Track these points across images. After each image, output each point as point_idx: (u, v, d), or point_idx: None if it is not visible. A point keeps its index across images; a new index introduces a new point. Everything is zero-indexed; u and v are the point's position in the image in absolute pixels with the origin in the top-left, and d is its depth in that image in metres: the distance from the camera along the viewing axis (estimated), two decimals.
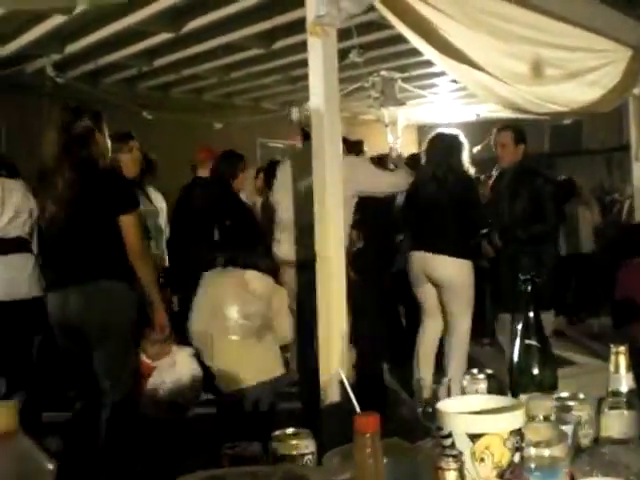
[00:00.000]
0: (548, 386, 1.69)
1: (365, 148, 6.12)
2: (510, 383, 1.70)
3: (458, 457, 0.99)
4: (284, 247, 4.61)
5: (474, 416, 1.22)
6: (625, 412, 1.60)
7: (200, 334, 4.21)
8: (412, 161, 5.95)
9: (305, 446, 1.41)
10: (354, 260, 4.48)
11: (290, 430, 1.43)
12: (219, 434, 4.01)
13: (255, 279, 4.24)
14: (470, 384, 1.79)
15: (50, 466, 0.91)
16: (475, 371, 1.81)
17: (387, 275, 5.68)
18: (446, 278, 5.00)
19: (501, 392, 1.74)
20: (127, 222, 3.72)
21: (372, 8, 3.74)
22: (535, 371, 1.68)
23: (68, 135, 3.74)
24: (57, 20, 6.12)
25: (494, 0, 4.30)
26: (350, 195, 4.27)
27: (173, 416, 4.15)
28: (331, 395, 3.31)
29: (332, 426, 2.98)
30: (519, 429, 1.17)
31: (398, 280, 5.77)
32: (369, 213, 4.96)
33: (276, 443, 1.40)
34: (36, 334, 4.44)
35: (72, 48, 7.06)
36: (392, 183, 4.86)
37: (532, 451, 1.18)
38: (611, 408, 1.62)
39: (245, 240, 4.68)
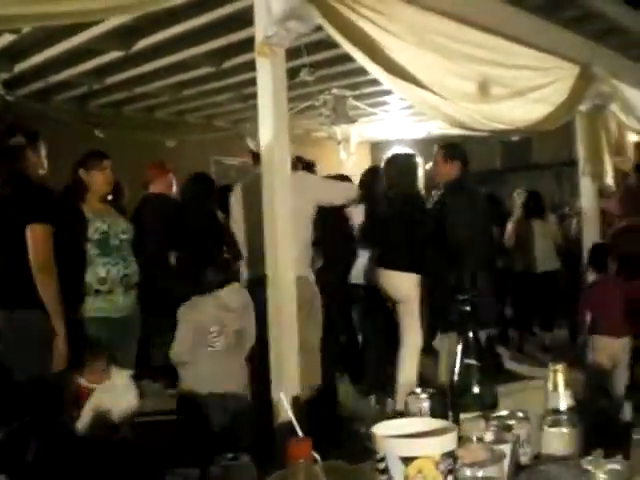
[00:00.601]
0: (488, 405, 1.71)
1: (316, 167, 6.19)
2: (451, 403, 1.72)
3: None
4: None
5: (406, 440, 1.23)
6: (564, 430, 1.62)
7: (183, 362, 4.26)
8: (369, 175, 6.04)
9: (245, 471, 1.41)
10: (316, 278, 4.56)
11: (229, 455, 1.43)
12: (164, 455, 3.97)
13: (229, 294, 4.27)
14: (413, 403, 1.80)
15: None
16: (418, 390, 1.82)
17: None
18: (393, 292, 5.15)
19: (445, 411, 1.76)
20: (34, 233, 3.76)
21: (320, 27, 3.77)
22: (475, 390, 1.70)
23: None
24: (6, 38, 6.05)
25: (440, 19, 4.36)
26: (305, 211, 4.35)
27: (112, 436, 4.10)
28: (282, 415, 3.31)
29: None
30: (452, 451, 1.18)
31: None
32: (328, 231, 5.03)
33: (215, 468, 1.40)
34: None
35: (21, 66, 6.97)
36: (343, 192, 4.95)
37: (467, 472, 1.19)
38: (551, 426, 1.65)
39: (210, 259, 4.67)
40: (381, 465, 1.17)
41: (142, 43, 6.40)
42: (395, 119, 9.76)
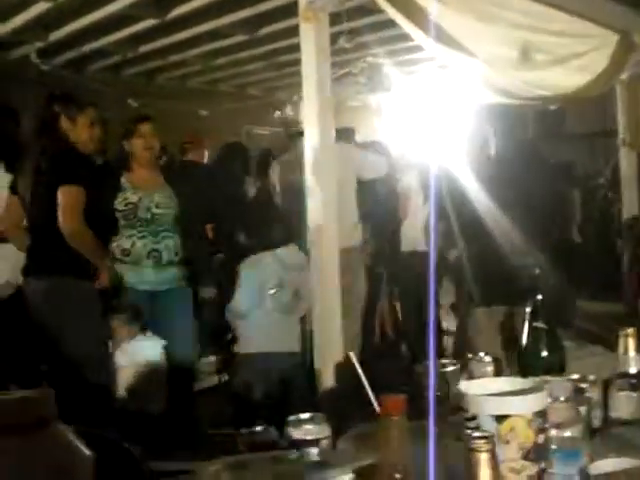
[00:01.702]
0: (557, 368, 1.71)
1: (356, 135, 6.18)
2: (519, 366, 1.71)
3: (490, 438, 1.00)
4: None
5: (500, 398, 1.23)
6: (634, 394, 1.62)
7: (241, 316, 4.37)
8: None
9: (320, 431, 1.42)
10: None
11: (305, 415, 1.44)
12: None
13: (288, 253, 4.36)
14: (477, 367, 1.80)
15: (88, 454, 0.90)
16: (482, 354, 1.82)
17: None
18: None
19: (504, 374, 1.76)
20: (63, 194, 3.82)
21: None
22: (544, 353, 1.70)
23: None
24: (41, 6, 6.05)
25: None
26: (350, 182, 4.36)
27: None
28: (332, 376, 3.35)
29: (334, 408, 3.00)
30: (543, 410, 1.18)
31: None
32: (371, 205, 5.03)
33: (291, 428, 1.41)
34: None
35: (56, 35, 6.97)
36: (377, 168, 4.94)
37: (553, 432, 1.19)
38: (619, 390, 1.64)
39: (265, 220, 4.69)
40: (472, 423, 1.17)
41: (177, 11, 6.37)
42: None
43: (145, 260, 4.35)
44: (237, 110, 9.36)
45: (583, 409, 1.46)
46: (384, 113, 8.03)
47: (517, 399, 1.21)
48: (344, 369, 3.51)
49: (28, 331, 3.95)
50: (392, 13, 3.94)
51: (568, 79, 5.33)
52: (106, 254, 4.07)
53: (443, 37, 4.16)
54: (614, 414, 1.63)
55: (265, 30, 7.07)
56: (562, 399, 1.31)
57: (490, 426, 1.14)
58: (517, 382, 1.34)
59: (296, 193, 4.09)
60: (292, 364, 4.24)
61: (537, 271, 1.70)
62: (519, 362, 1.72)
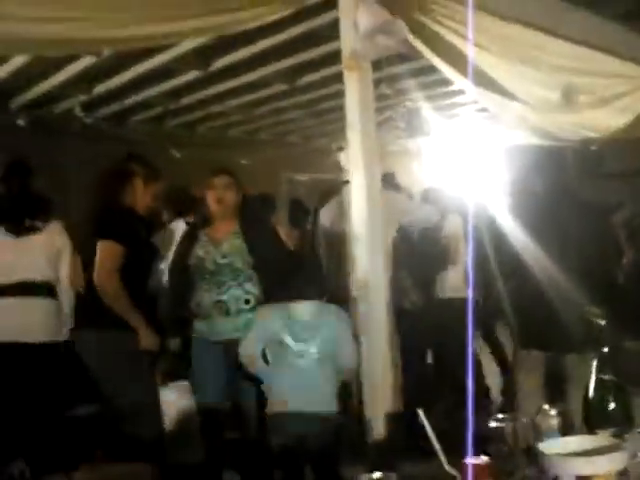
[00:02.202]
0: (624, 420, 1.66)
1: (397, 180, 6.15)
2: (585, 418, 1.67)
3: None
4: None
5: (582, 458, 1.19)
6: None
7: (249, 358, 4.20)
8: None
9: None
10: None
11: (376, 475, 1.41)
12: None
13: (300, 309, 4.19)
14: (543, 420, 1.75)
15: None
16: (546, 407, 1.77)
17: None
18: None
19: (571, 428, 1.71)
20: (100, 249, 3.89)
21: None
22: (611, 406, 1.65)
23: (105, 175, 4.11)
24: (87, 61, 6.18)
25: (526, 29, 4.31)
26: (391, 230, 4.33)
27: None
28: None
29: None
30: (625, 469, 1.14)
31: None
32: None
33: None
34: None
35: (100, 88, 7.12)
36: (427, 216, 4.91)
37: None
38: None
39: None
40: None
41: (219, 63, 6.47)
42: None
43: (212, 312, 4.31)
44: (277, 158, 9.46)
45: None
46: (424, 157, 8.03)
47: (600, 458, 1.17)
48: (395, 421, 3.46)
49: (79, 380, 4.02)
50: (433, 59, 3.96)
51: (610, 120, 5.30)
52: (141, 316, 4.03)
53: (484, 81, 4.16)
54: None
55: (303, 80, 7.16)
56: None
57: None
58: (595, 440, 1.30)
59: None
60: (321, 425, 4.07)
61: (603, 322, 1.65)
62: (585, 415, 1.67)
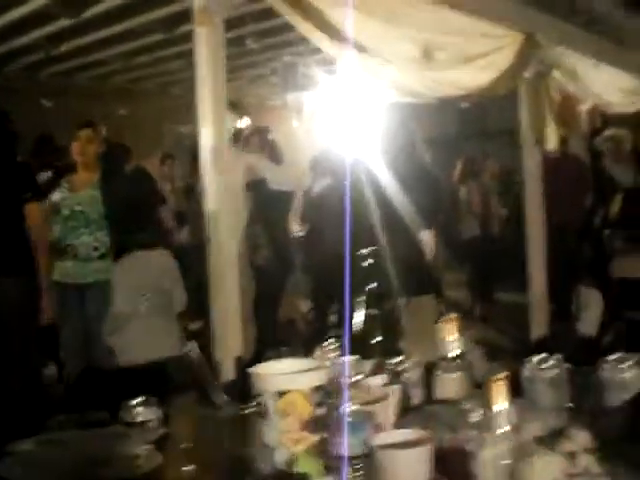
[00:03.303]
0: (390, 351, 1.84)
1: (270, 133, 6.28)
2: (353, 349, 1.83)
3: None
4: None
5: (281, 375, 1.35)
6: (453, 375, 1.76)
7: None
8: None
9: (149, 413, 1.52)
10: None
11: (138, 399, 1.54)
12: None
13: (155, 256, 4.37)
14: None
15: None
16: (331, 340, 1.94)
17: None
18: None
19: None
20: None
21: None
22: (378, 338, 1.82)
23: None
24: None
25: None
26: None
27: None
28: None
29: None
30: (321, 386, 1.31)
31: None
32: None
33: (121, 411, 1.51)
34: None
35: None
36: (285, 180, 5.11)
37: (341, 407, 1.31)
38: (444, 371, 1.78)
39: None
40: (258, 400, 1.28)
41: (92, 11, 6.38)
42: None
43: (64, 255, 4.63)
44: (159, 109, 9.38)
45: (396, 388, 1.60)
46: (303, 112, 8.13)
47: (294, 376, 1.33)
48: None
49: None
50: (289, 16, 4.01)
51: (474, 77, 5.47)
52: None
53: (342, 38, 4.24)
54: (438, 395, 1.76)
55: (182, 29, 7.10)
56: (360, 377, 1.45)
57: (273, 401, 1.26)
58: (303, 363, 1.46)
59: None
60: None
61: (370, 262, 1.81)
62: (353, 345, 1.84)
